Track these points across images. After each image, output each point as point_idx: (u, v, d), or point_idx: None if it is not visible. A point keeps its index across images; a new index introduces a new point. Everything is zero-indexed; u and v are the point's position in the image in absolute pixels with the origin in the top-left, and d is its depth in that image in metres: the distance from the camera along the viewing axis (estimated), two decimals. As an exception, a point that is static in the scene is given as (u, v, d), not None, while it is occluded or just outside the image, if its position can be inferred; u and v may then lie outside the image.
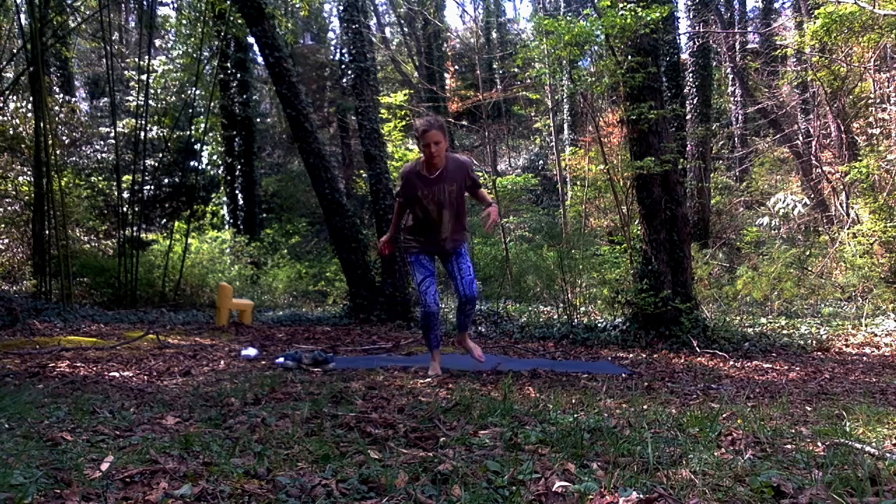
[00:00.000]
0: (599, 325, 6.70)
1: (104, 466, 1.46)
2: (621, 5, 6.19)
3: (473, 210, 8.98)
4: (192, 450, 1.66)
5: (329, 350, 5.03)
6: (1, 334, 5.22)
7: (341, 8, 8.74)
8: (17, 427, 1.93)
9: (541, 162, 19.80)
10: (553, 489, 1.29)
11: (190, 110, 13.14)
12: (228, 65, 14.25)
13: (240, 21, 10.05)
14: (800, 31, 12.66)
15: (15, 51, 10.06)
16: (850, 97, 11.36)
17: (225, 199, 15.02)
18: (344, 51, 8.63)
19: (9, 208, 10.87)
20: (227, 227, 14.38)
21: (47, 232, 8.44)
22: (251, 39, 11.04)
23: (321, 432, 1.92)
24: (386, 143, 9.65)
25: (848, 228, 9.98)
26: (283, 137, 20.57)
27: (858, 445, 1.82)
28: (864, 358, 5.68)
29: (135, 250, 9.24)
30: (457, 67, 24.74)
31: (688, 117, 11.53)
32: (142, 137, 10.30)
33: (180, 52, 14.58)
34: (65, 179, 10.18)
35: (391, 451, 1.69)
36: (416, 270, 3.85)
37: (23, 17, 9.87)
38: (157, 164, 14.98)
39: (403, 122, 13.61)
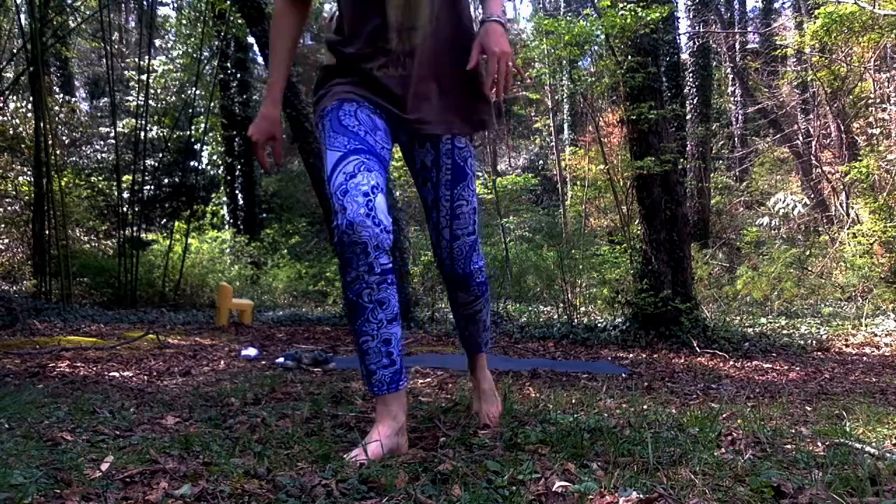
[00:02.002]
0: (599, 325, 6.70)
1: (104, 466, 1.46)
2: (621, 5, 6.20)
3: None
4: (192, 450, 1.66)
5: (329, 350, 5.03)
6: (1, 334, 5.22)
7: (341, 8, 8.74)
8: (17, 427, 1.93)
9: (541, 162, 19.81)
10: (553, 489, 1.29)
11: (190, 110, 13.14)
12: (228, 65, 14.25)
13: (240, 21, 10.05)
14: (800, 31, 12.67)
15: (15, 51, 10.06)
16: (850, 97, 11.36)
17: (225, 199, 15.02)
18: (344, 51, 8.62)
19: (9, 208, 10.87)
20: (227, 227, 14.38)
21: (47, 232, 8.44)
22: (251, 39, 11.04)
23: (321, 432, 1.92)
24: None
25: (848, 228, 9.98)
26: (283, 137, 20.57)
27: (858, 445, 1.82)
28: (864, 358, 5.68)
29: (135, 250, 9.23)
30: (457, 67, 24.69)
31: (688, 117, 11.54)
32: (142, 137, 10.30)
33: (180, 52, 14.59)
34: (65, 179, 10.18)
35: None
36: (329, 137, 1.64)
37: (23, 17, 9.86)
38: (157, 164, 14.98)
39: (403, 122, 13.59)
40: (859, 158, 9.93)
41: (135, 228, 10.05)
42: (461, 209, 1.79)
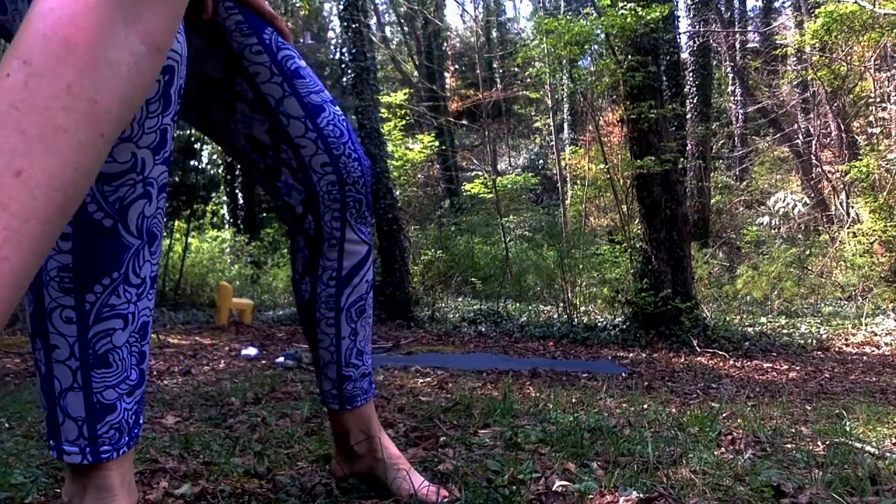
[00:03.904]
0: (599, 324, 6.70)
1: (104, 466, 1.46)
2: (621, 4, 6.20)
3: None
4: (193, 449, 1.66)
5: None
6: (1, 333, 5.22)
7: (341, 7, 8.74)
8: (18, 426, 1.93)
9: (541, 161, 19.79)
10: (553, 488, 1.29)
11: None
12: (228, 64, 14.26)
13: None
14: (800, 31, 12.66)
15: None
16: (851, 96, 11.36)
17: (225, 198, 15.02)
18: (344, 50, 8.64)
19: (9, 208, 10.88)
20: (227, 226, 14.38)
21: (47, 231, 8.44)
22: (251, 39, 11.02)
23: (321, 431, 1.92)
24: (386, 142, 9.65)
25: (848, 228, 9.98)
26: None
27: (858, 445, 1.82)
28: (864, 357, 5.68)
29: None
30: (457, 66, 24.75)
31: (688, 116, 11.52)
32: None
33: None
34: (65, 179, 10.18)
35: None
36: None
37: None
38: (157, 164, 14.98)
39: (403, 122, 13.62)
40: (859, 158, 9.93)
41: (135, 228, 10.04)
42: (293, 63, 1.08)
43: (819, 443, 1.90)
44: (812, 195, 13.13)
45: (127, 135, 0.79)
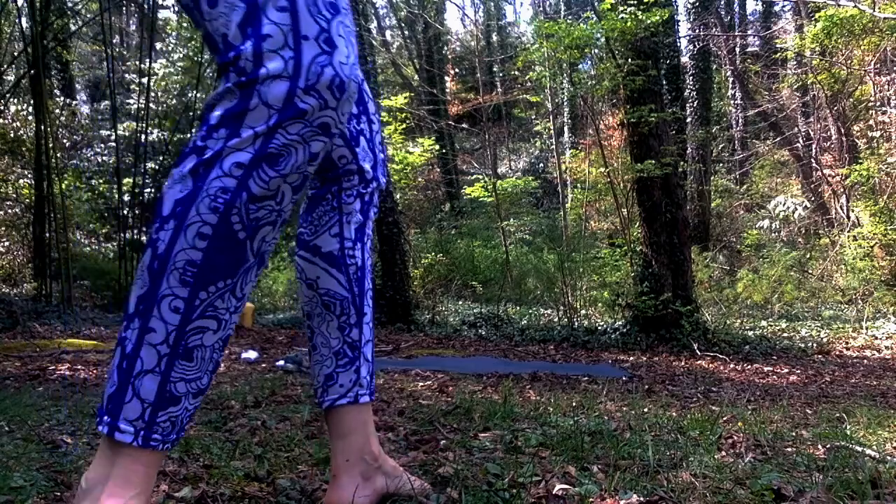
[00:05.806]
0: (600, 327, 6.70)
1: (104, 469, 1.46)
2: (621, 8, 6.21)
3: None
4: (193, 452, 1.65)
5: (329, 353, 5.01)
6: (1, 337, 5.22)
7: (342, 11, 8.74)
8: (18, 430, 1.93)
9: (541, 165, 19.81)
10: (553, 492, 1.28)
11: (191, 113, 13.15)
12: (229, 68, 14.27)
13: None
14: (800, 35, 12.67)
15: (16, 54, 10.08)
16: (851, 100, 11.37)
17: (225, 201, 15.03)
18: (344, 54, 8.64)
19: (9, 211, 10.87)
20: (227, 229, 14.38)
21: (48, 235, 8.44)
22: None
23: (322, 435, 1.92)
24: (386, 146, 9.65)
25: (848, 231, 9.98)
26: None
27: (859, 448, 1.82)
28: (865, 361, 5.68)
29: (135, 253, 9.23)
30: (457, 70, 24.78)
31: (688, 120, 11.53)
32: (142, 140, 10.31)
33: (181, 55, 14.60)
34: (65, 182, 10.19)
35: (391, 453, 1.69)
36: None
37: (24, 20, 9.88)
38: (157, 167, 14.97)
39: (404, 125, 13.63)
40: (859, 161, 9.93)
41: (135, 231, 10.05)
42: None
43: (820, 446, 1.90)
44: (812, 199, 13.14)
45: (283, 173, 0.89)
